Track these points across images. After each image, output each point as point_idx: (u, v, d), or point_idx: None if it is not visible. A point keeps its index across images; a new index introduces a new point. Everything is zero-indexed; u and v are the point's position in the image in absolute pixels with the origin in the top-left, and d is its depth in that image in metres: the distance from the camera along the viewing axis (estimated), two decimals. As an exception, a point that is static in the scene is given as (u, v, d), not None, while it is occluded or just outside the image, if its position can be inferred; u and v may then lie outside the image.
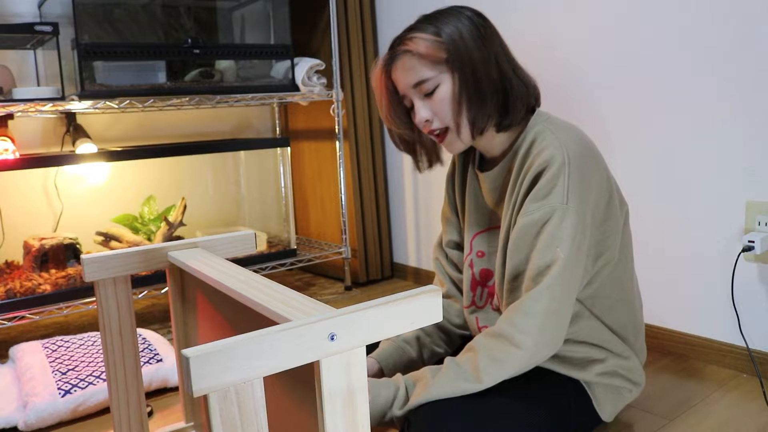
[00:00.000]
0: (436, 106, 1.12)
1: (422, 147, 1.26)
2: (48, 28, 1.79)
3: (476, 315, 1.27)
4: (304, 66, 2.19)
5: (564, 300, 1.06)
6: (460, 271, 1.37)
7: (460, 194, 1.33)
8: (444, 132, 1.15)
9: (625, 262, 1.20)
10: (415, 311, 0.74)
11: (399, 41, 1.15)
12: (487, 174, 1.21)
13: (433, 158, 1.27)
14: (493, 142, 1.19)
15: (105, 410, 1.46)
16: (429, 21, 1.13)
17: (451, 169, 1.37)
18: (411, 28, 1.14)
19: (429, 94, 1.12)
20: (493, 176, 1.20)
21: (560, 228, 1.05)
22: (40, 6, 2.08)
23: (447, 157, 1.28)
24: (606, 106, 1.71)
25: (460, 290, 1.35)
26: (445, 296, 1.37)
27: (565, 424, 1.13)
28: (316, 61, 2.22)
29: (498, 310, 1.22)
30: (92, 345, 1.67)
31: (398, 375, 1.13)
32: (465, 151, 1.32)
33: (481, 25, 1.13)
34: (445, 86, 1.11)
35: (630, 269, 1.22)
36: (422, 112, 1.14)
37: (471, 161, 1.30)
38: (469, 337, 1.32)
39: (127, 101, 1.92)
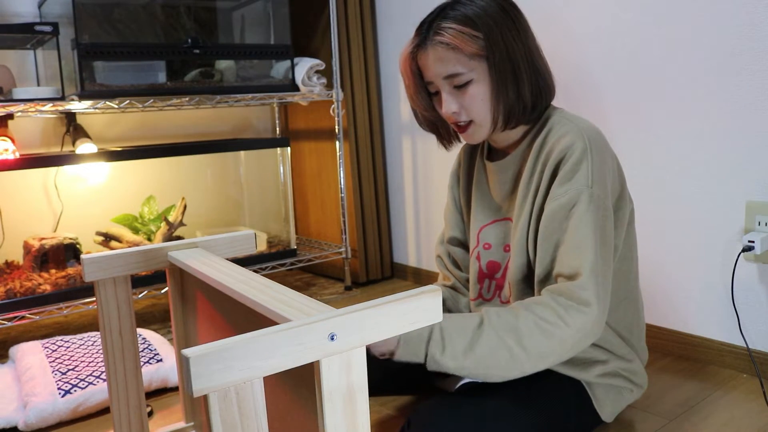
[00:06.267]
0: (467, 101, 1.10)
1: (444, 127, 1.26)
2: (48, 28, 1.79)
3: (482, 308, 1.27)
4: (304, 66, 2.19)
5: (605, 284, 1.06)
6: (460, 269, 1.37)
7: (466, 188, 1.33)
8: (468, 124, 1.14)
9: (630, 261, 1.20)
10: (415, 311, 0.74)
11: (431, 28, 1.10)
12: (498, 164, 1.21)
13: (454, 138, 1.27)
14: (509, 132, 1.18)
15: (105, 410, 1.46)
16: (463, 8, 1.09)
17: (456, 164, 1.37)
18: (444, 15, 1.10)
19: (459, 87, 1.10)
20: (505, 166, 1.20)
21: (588, 212, 1.05)
22: (40, 6, 2.08)
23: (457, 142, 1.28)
24: (606, 106, 1.71)
25: (464, 286, 1.36)
26: (452, 288, 1.37)
27: (565, 423, 1.13)
28: (316, 61, 2.22)
29: (507, 302, 1.21)
30: (92, 345, 1.67)
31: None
32: (472, 144, 1.32)
33: (515, 16, 1.10)
34: (480, 83, 1.09)
35: (635, 269, 1.22)
36: (451, 104, 1.12)
37: (479, 153, 1.29)
38: None
39: (127, 101, 1.92)
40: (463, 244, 1.37)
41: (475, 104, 1.10)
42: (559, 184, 1.08)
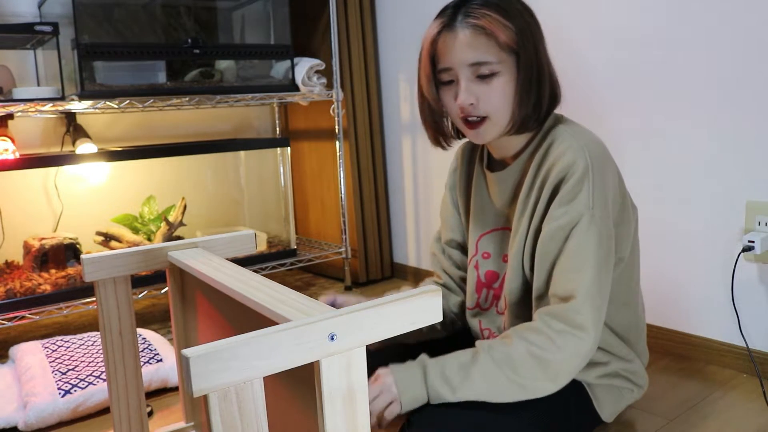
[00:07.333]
0: (489, 93, 1.05)
1: (446, 123, 1.18)
2: (48, 28, 1.79)
3: (479, 318, 1.25)
4: (304, 66, 2.19)
5: (603, 307, 1.05)
6: (459, 268, 1.35)
7: (464, 194, 1.30)
8: (481, 121, 1.08)
9: (633, 266, 1.19)
10: (415, 311, 0.74)
11: (465, 11, 1.04)
12: (497, 174, 1.18)
13: (451, 137, 1.20)
14: (511, 140, 1.14)
15: (105, 410, 1.46)
16: (496, 1, 1.05)
17: (453, 167, 1.34)
18: (477, 2, 1.05)
19: (483, 77, 1.05)
20: (504, 177, 1.17)
21: (587, 234, 1.03)
22: (40, 6, 2.08)
23: (455, 141, 1.23)
24: (606, 106, 1.71)
25: (458, 286, 1.33)
26: (444, 286, 1.35)
27: (565, 424, 1.13)
28: (316, 61, 2.22)
29: (503, 314, 1.21)
30: (92, 345, 1.67)
31: (423, 356, 1.07)
32: (470, 149, 1.30)
33: (535, 20, 1.09)
34: (505, 77, 1.05)
35: (637, 273, 1.21)
36: (468, 96, 1.05)
37: (478, 160, 1.26)
38: (462, 329, 1.32)
39: (127, 101, 1.92)
40: (462, 246, 1.34)
41: (496, 99, 1.06)
42: (558, 205, 1.05)
